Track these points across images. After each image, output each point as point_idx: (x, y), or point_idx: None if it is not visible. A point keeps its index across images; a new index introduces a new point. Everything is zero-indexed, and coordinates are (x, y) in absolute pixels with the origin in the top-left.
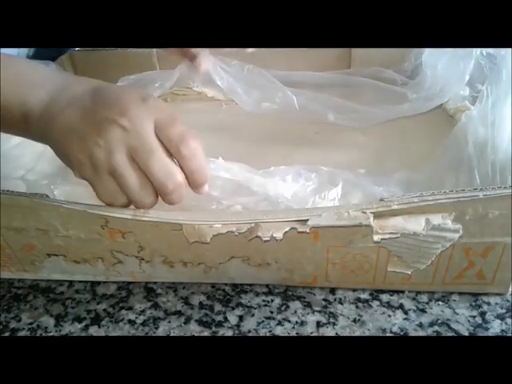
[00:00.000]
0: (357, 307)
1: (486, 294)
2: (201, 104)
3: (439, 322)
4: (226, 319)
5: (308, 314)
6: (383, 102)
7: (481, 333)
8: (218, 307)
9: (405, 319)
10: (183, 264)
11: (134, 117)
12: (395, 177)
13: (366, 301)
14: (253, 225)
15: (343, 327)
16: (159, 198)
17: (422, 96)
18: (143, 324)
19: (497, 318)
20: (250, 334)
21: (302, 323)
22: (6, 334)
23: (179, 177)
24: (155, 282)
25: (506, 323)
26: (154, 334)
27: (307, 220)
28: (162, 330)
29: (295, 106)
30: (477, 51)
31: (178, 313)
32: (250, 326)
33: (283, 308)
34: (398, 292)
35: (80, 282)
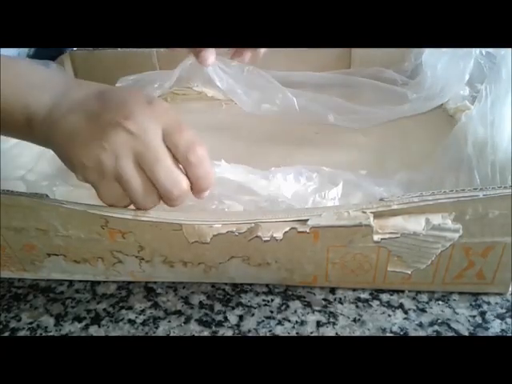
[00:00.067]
0: (357, 307)
1: (486, 294)
2: (201, 104)
3: (439, 321)
4: (226, 319)
5: (308, 313)
6: (383, 102)
7: (481, 333)
8: (218, 307)
9: (405, 319)
10: (183, 264)
11: (140, 121)
12: (396, 178)
13: (366, 300)
14: (253, 225)
15: (343, 327)
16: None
17: (423, 96)
18: (143, 324)
19: (497, 317)
20: (250, 334)
21: (302, 323)
22: (6, 334)
23: (185, 184)
24: (155, 282)
25: (506, 323)
26: (153, 334)
27: (307, 220)
28: (161, 330)
29: (295, 108)
30: (476, 51)
31: (178, 312)
32: (249, 325)
33: (283, 308)
34: (397, 292)
35: (80, 281)
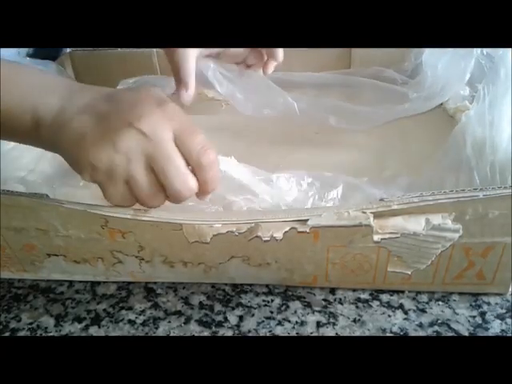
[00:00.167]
0: (357, 307)
1: (486, 294)
2: (201, 104)
3: (439, 322)
4: (225, 319)
5: (308, 313)
6: (383, 101)
7: (481, 333)
8: (217, 307)
9: (405, 319)
10: (183, 264)
11: (152, 122)
12: (396, 181)
13: (366, 301)
14: (253, 225)
15: (343, 327)
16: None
17: (423, 95)
18: (143, 324)
19: (497, 317)
20: (250, 334)
21: (302, 323)
22: (6, 334)
23: (194, 185)
24: (155, 282)
25: (506, 323)
26: (154, 334)
27: (307, 220)
28: (161, 330)
29: (296, 112)
30: (477, 50)
31: (178, 313)
32: (249, 325)
33: (283, 308)
34: (398, 292)
35: (80, 282)
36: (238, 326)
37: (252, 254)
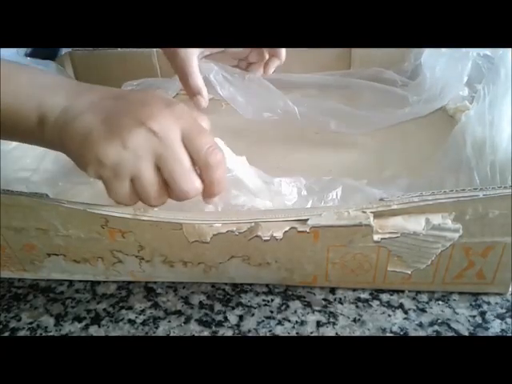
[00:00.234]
0: (357, 307)
1: (486, 294)
2: None
3: (439, 321)
4: (225, 319)
5: (308, 313)
6: (384, 104)
7: (481, 333)
8: (217, 307)
9: (405, 319)
10: (183, 263)
11: (162, 121)
12: (395, 182)
13: (366, 300)
14: (253, 224)
15: (343, 327)
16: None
17: (423, 98)
18: (143, 324)
19: (497, 317)
20: (250, 334)
21: (302, 323)
22: (6, 334)
23: (200, 186)
24: (155, 282)
25: (506, 323)
26: (153, 334)
27: (307, 219)
28: (161, 330)
29: (296, 116)
30: (474, 52)
31: (178, 312)
32: (249, 325)
33: (283, 308)
34: (397, 292)
35: (80, 281)
36: (237, 325)
37: (252, 254)
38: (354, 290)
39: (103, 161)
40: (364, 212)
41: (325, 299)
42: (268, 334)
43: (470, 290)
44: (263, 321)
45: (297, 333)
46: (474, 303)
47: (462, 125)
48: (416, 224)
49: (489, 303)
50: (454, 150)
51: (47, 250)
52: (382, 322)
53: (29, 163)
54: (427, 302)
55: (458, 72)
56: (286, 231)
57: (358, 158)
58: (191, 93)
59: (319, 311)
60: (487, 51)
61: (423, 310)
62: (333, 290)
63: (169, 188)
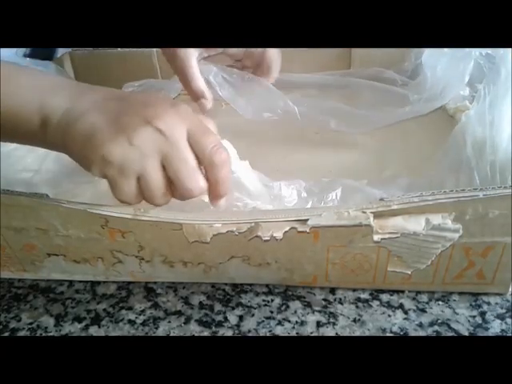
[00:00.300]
0: (357, 307)
1: (486, 294)
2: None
3: (439, 321)
4: (225, 319)
5: (308, 313)
6: (384, 104)
7: (481, 333)
8: (217, 307)
9: (405, 319)
10: (183, 264)
11: (168, 121)
12: (396, 182)
13: (366, 301)
14: (253, 224)
15: (343, 327)
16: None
17: (423, 97)
18: (143, 324)
19: (497, 317)
20: (250, 334)
21: (302, 323)
22: (6, 334)
23: (204, 185)
24: (155, 282)
25: (506, 323)
26: (153, 334)
27: (307, 220)
28: (161, 330)
29: (296, 116)
30: (476, 52)
31: (178, 313)
32: (249, 325)
33: (283, 308)
34: (398, 292)
35: (80, 281)
36: (237, 325)
37: (252, 254)
38: (354, 290)
39: (109, 159)
40: (364, 212)
41: (325, 299)
42: (268, 334)
43: (470, 290)
44: (263, 321)
45: (297, 333)
46: (473, 303)
47: (462, 125)
48: (416, 224)
49: (489, 303)
50: (454, 149)
51: (47, 250)
52: (381, 322)
53: (30, 163)
54: (427, 302)
55: (460, 71)
56: (286, 231)
57: (358, 158)
58: (195, 96)
59: (319, 311)
60: (489, 50)
61: (423, 310)
62: (333, 290)
63: (173, 187)
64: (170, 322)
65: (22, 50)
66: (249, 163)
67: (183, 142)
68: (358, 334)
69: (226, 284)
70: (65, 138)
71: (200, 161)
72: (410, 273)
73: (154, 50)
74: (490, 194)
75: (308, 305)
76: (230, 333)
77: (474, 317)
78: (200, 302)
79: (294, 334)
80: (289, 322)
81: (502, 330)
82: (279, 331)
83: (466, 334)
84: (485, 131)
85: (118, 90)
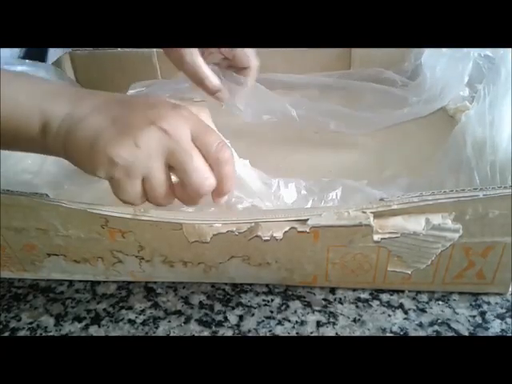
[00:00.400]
0: (357, 307)
1: (486, 294)
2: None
3: (439, 321)
4: (225, 319)
5: (308, 313)
6: (384, 105)
7: (481, 333)
8: (217, 307)
9: (405, 319)
10: (183, 263)
11: (172, 122)
12: (396, 182)
13: (366, 300)
14: (253, 224)
15: (343, 327)
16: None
17: (423, 99)
18: (143, 324)
19: (497, 317)
20: (250, 334)
21: (302, 323)
22: (6, 334)
23: (213, 181)
24: (155, 282)
25: (506, 323)
26: (153, 334)
27: (307, 219)
28: (161, 330)
29: (295, 118)
30: (474, 52)
31: (178, 312)
32: (249, 325)
33: (283, 308)
34: (397, 292)
35: (80, 281)
36: (237, 325)
37: (252, 254)
38: (354, 290)
39: (116, 160)
40: (364, 212)
41: (325, 299)
42: (268, 334)
43: (470, 290)
44: (263, 321)
45: (297, 333)
46: (474, 303)
47: (462, 125)
48: (416, 224)
49: (489, 303)
50: (454, 150)
51: (47, 250)
52: (382, 321)
53: (30, 165)
54: (427, 302)
55: (459, 72)
56: (286, 231)
57: (358, 158)
58: (211, 92)
59: (319, 311)
60: (488, 51)
61: (423, 310)
62: (333, 290)
63: (179, 189)
64: (169, 321)
65: (16, 52)
66: (249, 162)
67: (188, 140)
68: (357, 333)
69: (225, 284)
70: (66, 143)
71: (205, 159)
72: (409, 273)
73: (154, 50)
74: (490, 193)
75: (308, 305)
76: (229, 333)
77: (473, 317)
78: (200, 302)
79: (293, 333)
80: (289, 321)
81: (502, 330)
82: (279, 331)
83: (466, 333)
84: (485, 131)
85: (118, 93)
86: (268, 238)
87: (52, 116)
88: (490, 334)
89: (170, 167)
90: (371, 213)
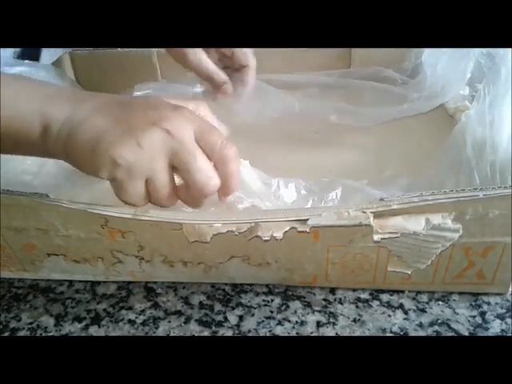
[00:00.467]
0: (357, 307)
1: (486, 294)
2: None
3: (439, 321)
4: (225, 319)
5: (308, 313)
6: (384, 103)
7: (481, 333)
8: (217, 307)
9: (405, 319)
10: (183, 263)
11: (174, 123)
12: (396, 182)
13: (366, 301)
14: (253, 224)
15: (343, 327)
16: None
17: (423, 95)
18: (143, 324)
19: (497, 317)
20: (250, 334)
21: (302, 323)
22: (6, 334)
23: (218, 181)
24: (155, 282)
25: (506, 323)
26: (153, 334)
27: (307, 219)
28: (161, 330)
29: (296, 113)
30: (476, 50)
31: (178, 312)
32: (249, 325)
33: (283, 308)
34: (397, 292)
35: (80, 281)
36: (237, 325)
37: (252, 254)
38: (354, 290)
39: (119, 161)
40: (364, 212)
41: (325, 299)
42: (268, 334)
43: (470, 290)
44: (263, 321)
45: (297, 333)
46: (474, 303)
47: (462, 125)
48: (416, 224)
49: (489, 303)
50: (454, 149)
51: (47, 250)
52: (382, 322)
53: (30, 166)
54: (427, 302)
55: (460, 70)
56: (286, 231)
57: (358, 158)
58: (218, 85)
59: (319, 311)
60: (490, 49)
61: (423, 310)
62: (333, 290)
63: (183, 190)
64: (169, 321)
65: (10, 52)
66: (248, 163)
67: (191, 140)
68: (358, 333)
69: (226, 284)
70: (67, 145)
71: (210, 158)
72: (409, 273)
73: (154, 50)
74: (490, 194)
75: (308, 305)
76: (229, 333)
77: (473, 317)
78: (200, 302)
79: (294, 333)
80: (289, 321)
81: (502, 330)
82: (279, 331)
83: (466, 333)
84: (485, 131)
85: (118, 95)
86: (268, 238)
87: (52, 119)
88: (490, 334)
89: (174, 168)
90: (371, 213)
